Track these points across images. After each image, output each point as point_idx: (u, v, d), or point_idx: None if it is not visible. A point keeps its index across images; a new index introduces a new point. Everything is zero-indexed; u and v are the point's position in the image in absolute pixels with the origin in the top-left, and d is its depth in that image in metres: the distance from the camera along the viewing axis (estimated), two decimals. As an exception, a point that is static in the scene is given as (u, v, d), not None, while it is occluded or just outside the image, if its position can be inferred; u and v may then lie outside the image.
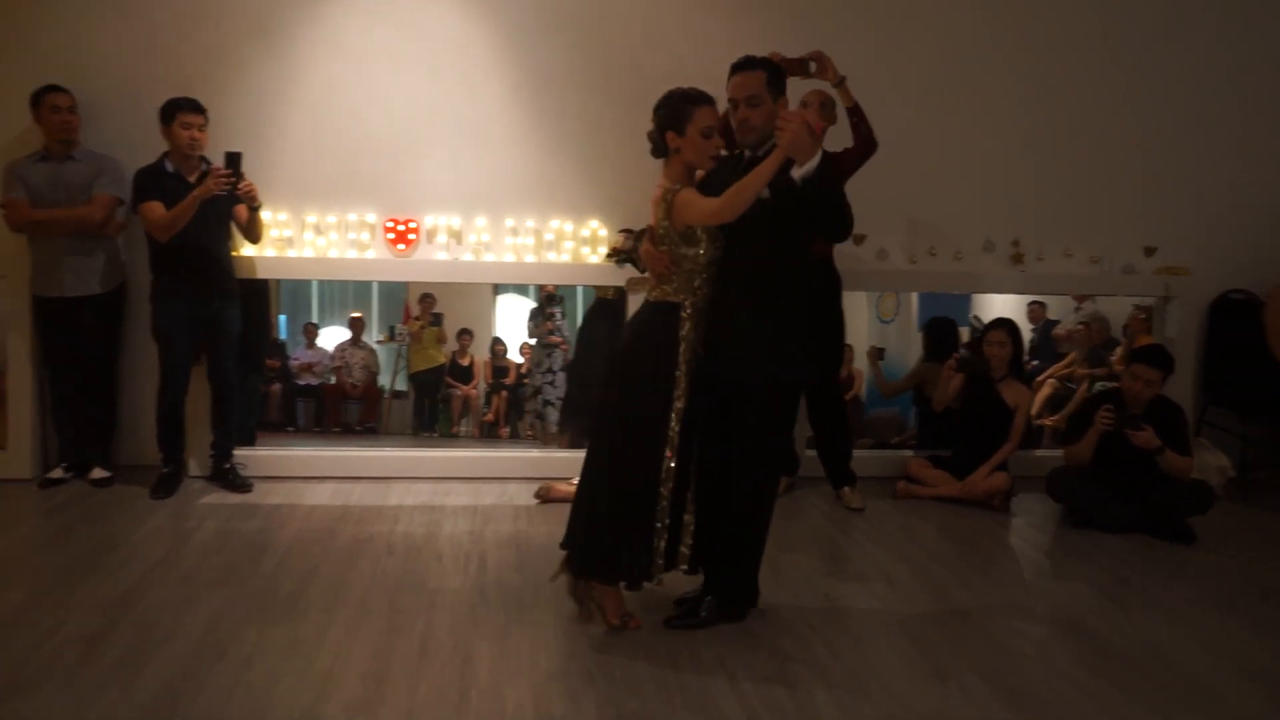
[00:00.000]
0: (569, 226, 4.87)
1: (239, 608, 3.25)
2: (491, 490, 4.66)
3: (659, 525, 3.07)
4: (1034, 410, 5.72)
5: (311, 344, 6.24)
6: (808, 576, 3.71)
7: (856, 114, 4.18)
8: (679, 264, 3.02)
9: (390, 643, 3.03)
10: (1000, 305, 5.92)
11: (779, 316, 3.03)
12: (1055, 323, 6.55)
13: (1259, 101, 5.18)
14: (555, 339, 5.73)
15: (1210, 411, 5.19)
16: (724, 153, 3.12)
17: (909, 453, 5.15)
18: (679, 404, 3.00)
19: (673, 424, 3.00)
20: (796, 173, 2.83)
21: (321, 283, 5.12)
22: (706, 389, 3.07)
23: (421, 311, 5.90)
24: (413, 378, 6.15)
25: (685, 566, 3.21)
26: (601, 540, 3.09)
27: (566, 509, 4.28)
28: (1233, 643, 3.20)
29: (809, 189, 2.84)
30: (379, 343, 6.30)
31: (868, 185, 4.38)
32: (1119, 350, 6.07)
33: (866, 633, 3.23)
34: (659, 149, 3.06)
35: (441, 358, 6.07)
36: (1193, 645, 3.17)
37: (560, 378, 5.65)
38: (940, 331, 5.48)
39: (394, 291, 5.84)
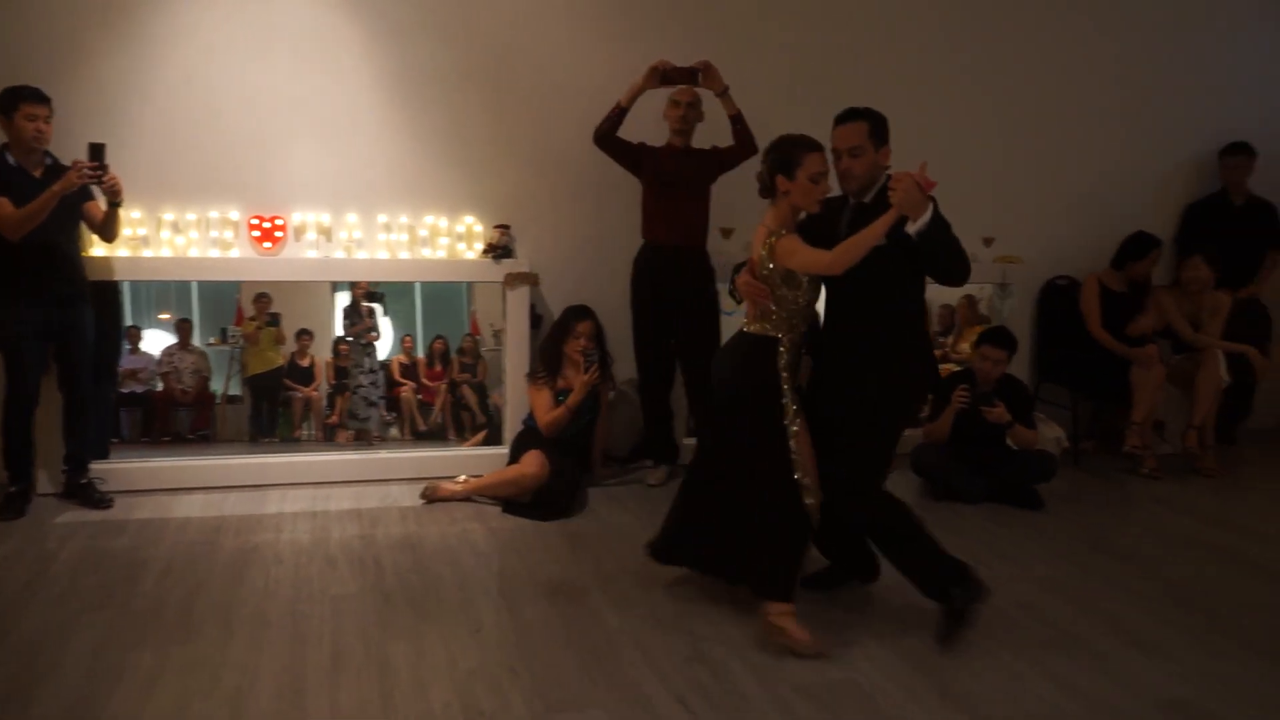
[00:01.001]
0: (444, 222, 4.81)
1: (126, 630, 3.07)
2: (373, 493, 4.56)
3: (801, 547, 3.19)
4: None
5: (135, 349, 5.86)
6: (704, 560, 3.82)
7: (739, 122, 4.43)
8: (780, 304, 3.13)
9: (299, 654, 2.95)
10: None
11: (896, 355, 3.13)
12: None
13: (1083, 104, 5.66)
14: (372, 336, 5.56)
15: (1044, 388, 5.66)
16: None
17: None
18: (793, 428, 3.12)
19: (792, 446, 3.11)
20: (911, 228, 2.92)
21: (135, 284, 4.78)
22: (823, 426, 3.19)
23: (257, 312, 5.57)
24: (249, 381, 5.84)
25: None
26: (777, 559, 3.11)
27: (455, 507, 4.32)
28: (1091, 595, 3.53)
29: (925, 242, 2.93)
30: (210, 345, 5.99)
31: (738, 178, 4.56)
32: (950, 338, 6.49)
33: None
34: (767, 190, 3.17)
35: (280, 359, 5.77)
36: (1057, 600, 3.48)
37: (380, 376, 5.50)
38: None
39: (222, 291, 5.47)
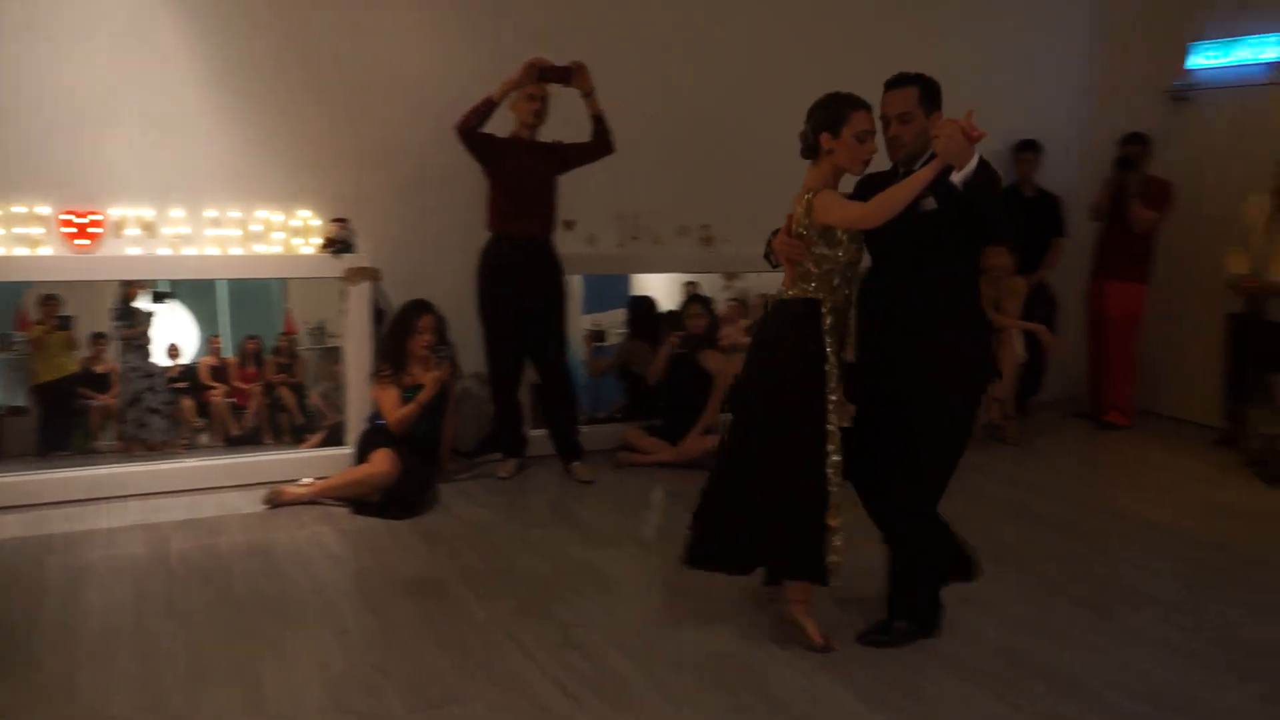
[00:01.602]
0: (277, 217, 4.64)
1: (-43, 665, 2.85)
2: (209, 501, 4.35)
3: (836, 522, 2.96)
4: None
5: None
6: (564, 548, 3.88)
7: (602, 122, 4.50)
8: (818, 264, 2.96)
9: (155, 671, 2.82)
10: (652, 285, 6.24)
11: (952, 321, 2.98)
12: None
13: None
14: (143, 338, 5.25)
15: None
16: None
17: (621, 425, 5.47)
18: (833, 397, 2.94)
19: (830, 418, 2.94)
20: (956, 177, 2.77)
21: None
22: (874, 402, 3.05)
23: (44, 315, 5.14)
24: (36, 390, 5.38)
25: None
26: (800, 540, 2.96)
27: (302, 511, 4.20)
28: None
29: (971, 192, 2.77)
30: (-12, 353, 5.51)
31: (580, 175, 4.65)
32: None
33: (634, 592, 3.48)
34: (810, 149, 3.03)
35: (73, 365, 5.36)
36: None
37: (160, 380, 5.23)
38: (642, 309, 5.87)
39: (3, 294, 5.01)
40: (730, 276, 6.67)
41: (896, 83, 3.01)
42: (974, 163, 2.75)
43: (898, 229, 2.86)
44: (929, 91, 2.99)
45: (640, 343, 5.75)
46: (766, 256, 3.21)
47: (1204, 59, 6.21)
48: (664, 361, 5.09)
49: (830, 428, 2.94)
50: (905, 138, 2.96)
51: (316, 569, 3.61)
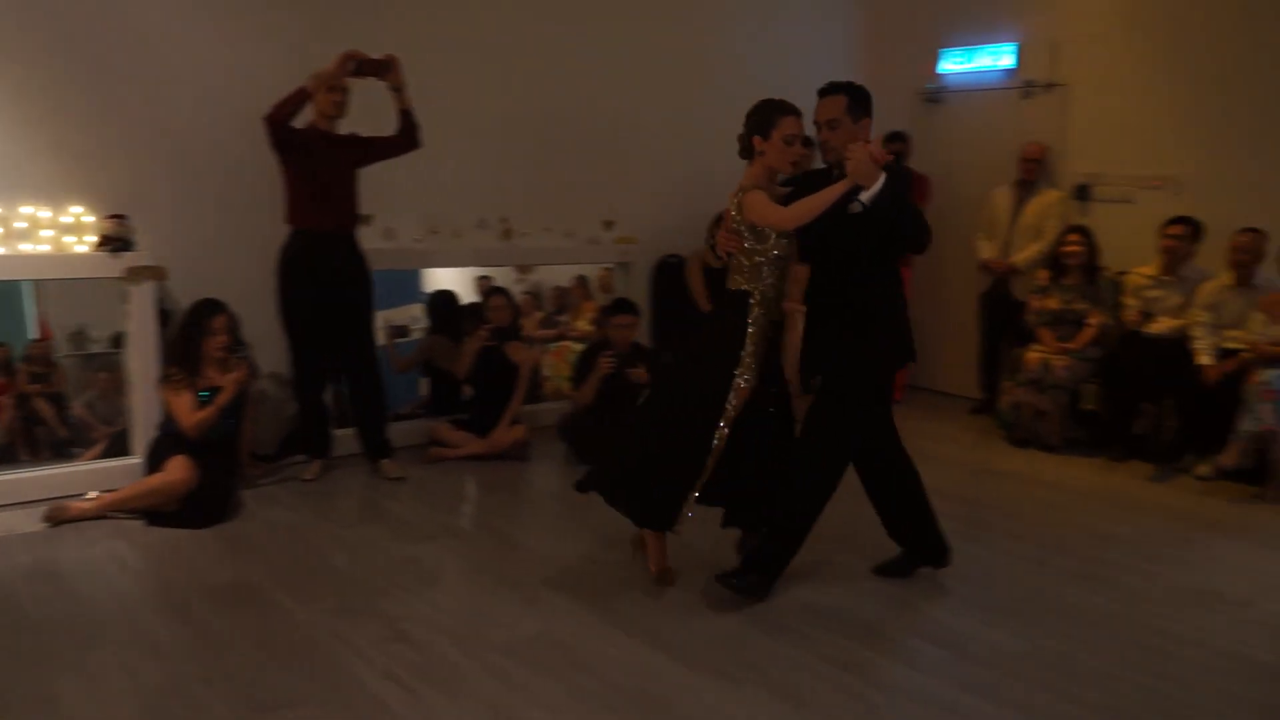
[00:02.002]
0: (46, 213, 4.31)
1: None
2: (-25, 523, 4.01)
3: (692, 484, 3.28)
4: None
5: None
6: (381, 545, 3.86)
7: (410, 117, 4.45)
8: (748, 256, 3.24)
9: (-59, 706, 2.62)
10: (447, 279, 6.19)
11: (870, 315, 3.29)
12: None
13: (681, 99, 6.30)
14: None
15: (663, 354, 6.26)
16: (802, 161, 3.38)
17: (426, 420, 5.45)
18: (741, 382, 3.22)
19: (731, 399, 3.22)
20: (864, 195, 3.03)
21: None
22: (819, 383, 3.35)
23: None
24: None
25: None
26: (647, 490, 3.30)
27: (89, 527, 3.96)
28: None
29: (876, 210, 3.05)
30: None
31: (377, 168, 4.59)
32: (566, 316, 6.93)
33: (456, 582, 3.53)
34: (746, 150, 3.32)
35: None
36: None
37: None
38: (444, 304, 5.85)
39: None
40: (524, 270, 6.76)
41: (826, 91, 3.31)
42: (879, 184, 3.03)
43: (830, 231, 3.17)
44: (856, 100, 3.27)
45: (442, 337, 5.74)
46: (712, 248, 3.48)
47: (951, 64, 6.86)
48: (473, 355, 5.10)
49: (728, 406, 3.25)
50: (833, 142, 3.24)
51: (117, 585, 3.43)
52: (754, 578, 3.36)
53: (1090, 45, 6.17)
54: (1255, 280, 5.08)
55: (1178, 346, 5.20)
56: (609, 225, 6.05)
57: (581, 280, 6.83)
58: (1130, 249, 5.67)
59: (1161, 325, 5.34)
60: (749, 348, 3.28)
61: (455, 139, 5.19)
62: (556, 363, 6.46)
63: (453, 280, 6.27)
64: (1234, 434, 4.72)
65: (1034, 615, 3.33)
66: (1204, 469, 4.95)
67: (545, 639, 3.07)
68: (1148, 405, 5.27)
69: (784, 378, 3.50)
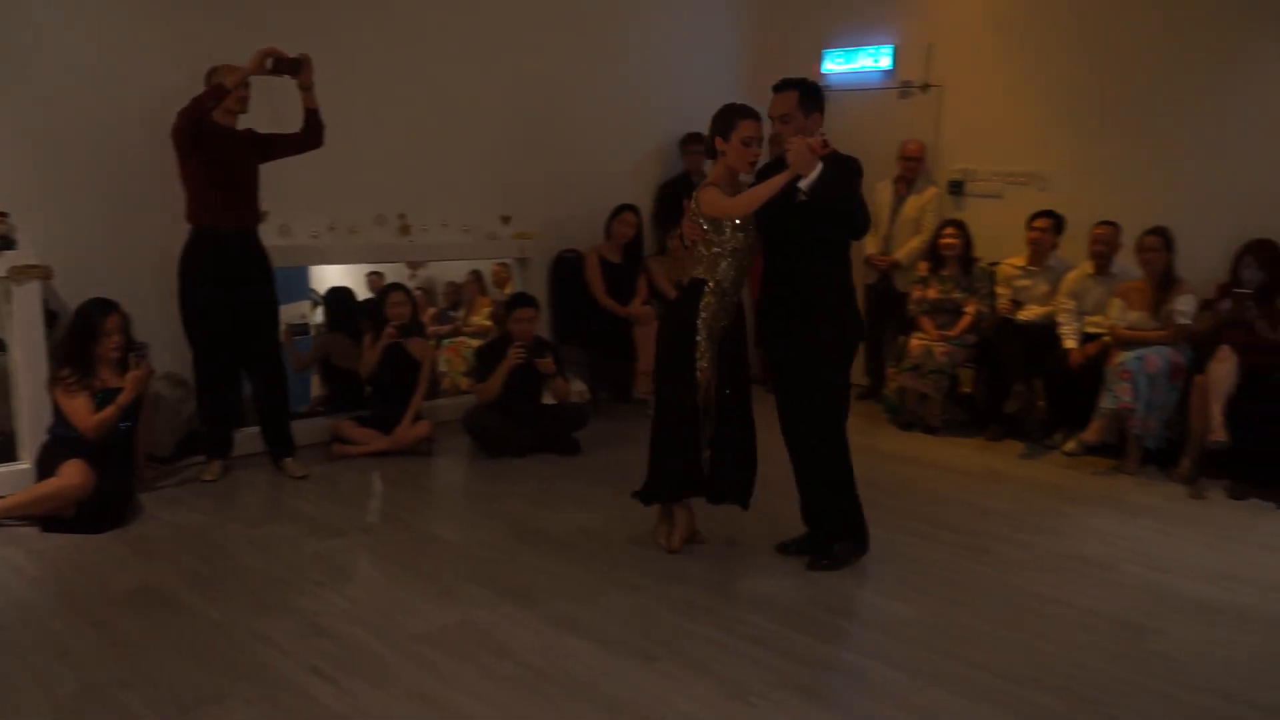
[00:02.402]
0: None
1: None
2: None
3: (693, 457, 3.62)
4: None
5: None
6: (292, 543, 3.86)
7: (317, 116, 4.44)
8: (708, 247, 3.51)
9: None
10: (336, 275, 6.22)
11: (821, 299, 3.51)
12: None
13: (578, 97, 6.39)
14: None
15: (562, 348, 6.36)
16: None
17: (325, 419, 5.41)
18: (702, 365, 3.53)
19: (698, 376, 3.54)
20: (803, 183, 3.26)
21: None
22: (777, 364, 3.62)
23: None
24: None
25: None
26: (656, 470, 3.70)
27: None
28: (641, 515, 4.20)
29: (814, 195, 3.27)
30: None
31: (272, 164, 4.55)
32: (461, 312, 6.94)
33: (372, 577, 3.58)
34: (709, 151, 3.61)
35: None
36: (613, 523, 4.10)
37: None
38: (340, 301, 5.81)
39: None
40: (415, 265, 6.72)
41: (779, 87, 3.53)
42: (816, 172, 3.26)
43: (781, 218, 3.39)
44: (807, 95, 3.49)
45: (340, 335, 5.71)
46: (680, 237, 3.70)
47: (834, 64, 7.15)
48: (379, 352, 5.09)
49: (697, 384, 3.56)
50: (785, 135, 3.43)
51: (15, 593, 3.35)
52: (841, 546, 3.68)
53: (961, 49, 6.52)
54: (1113, 269, 5.50)
55: (1045, 332, 5.58)
56: (506, 220, 6.11)
57: (476, 275, 6.86)
58: (1000, 241, 6.04)
59: (1030, 313, 5.72)
60: (702, 333, 3.55)
61: (353, 134, 5.16)
62: (452, 358, 6.49)
63: (343, 277, 6.23)
64: (1096, 412, 5.10)
65: (925, 584, 3.58)
66: (1070, 445, 5.34)
67: (464, 627, 3.15)
68: (1019, 387, 5.64)
69: (745, 362, 3.73)
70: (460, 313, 6.93)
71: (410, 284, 6.53)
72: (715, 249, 3.54)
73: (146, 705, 2.65)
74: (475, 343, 6.60)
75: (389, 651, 2.97)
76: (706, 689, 2.79)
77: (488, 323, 6.67)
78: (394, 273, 6.58)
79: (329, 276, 6.20)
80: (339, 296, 5.88)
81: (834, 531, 3.70)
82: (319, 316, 6.31)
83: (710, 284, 3.56)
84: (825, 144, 3.31)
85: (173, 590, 3.39)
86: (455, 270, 6.90)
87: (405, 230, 5.69)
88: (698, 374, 3.58)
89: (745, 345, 3.75)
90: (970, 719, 2.67)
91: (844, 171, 3.38)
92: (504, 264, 6.82)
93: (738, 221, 3.50)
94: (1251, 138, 5.38)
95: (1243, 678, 2.95)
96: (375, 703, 2.68)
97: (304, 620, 3.17)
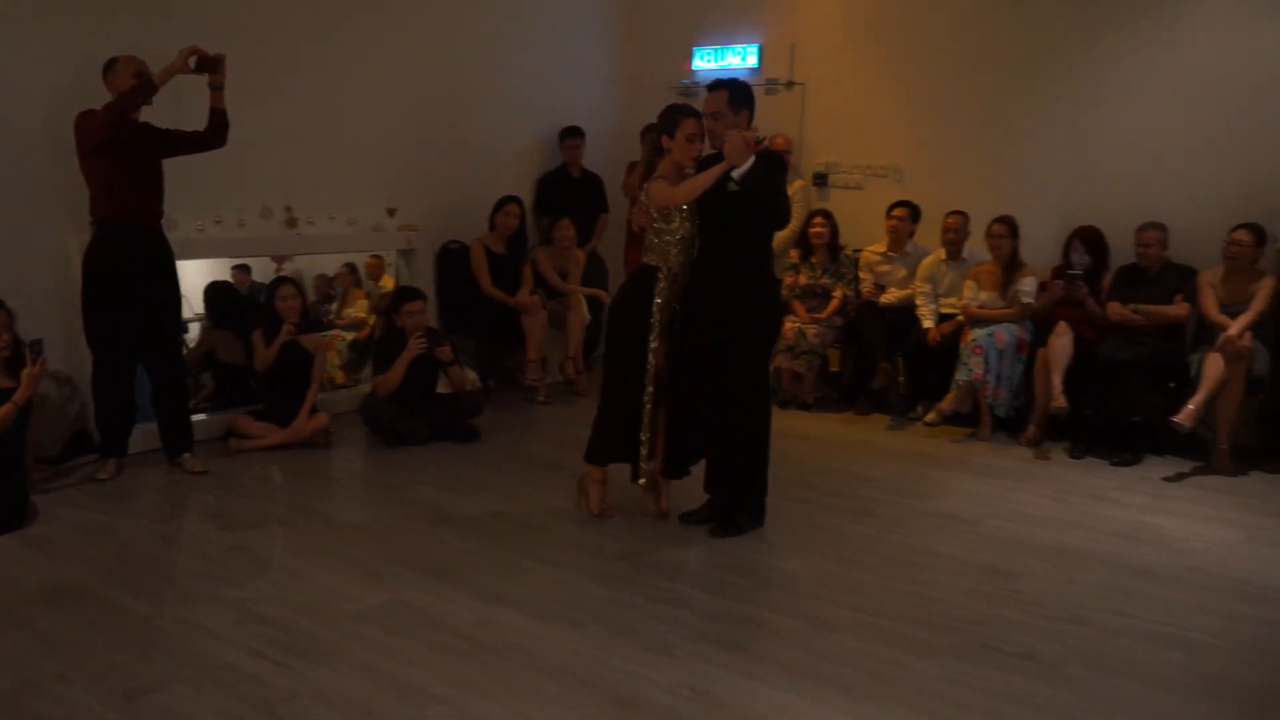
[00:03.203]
0: None
1: None
2: None
3: (646, 436, 3.94)
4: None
5: None
6: (205, 536, 3.91)
7: (223, 116, 4.45)
8: (658, 235, 3.85)
9: None
10: (201, 270, 6.00)
11: (746, 285, 3.82)
12: (262, 284, 6.50)
13: (457, 91, 6.49)
14: None
15: (452, 338, 6.46)
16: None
17: (210, 415, 5.38)
18: (654, 344, 3.85)
19: (650, 358, 3.85)
20: (736, 173, 3.59)
21: None
22: (700, 344, 3.84)
23: None
24: None
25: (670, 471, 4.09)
26: (601, 435, 4.03)
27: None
28: (548, 495, 4.41)
29: (744, 185, 3.60)
30: None
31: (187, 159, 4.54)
32: (334, 305, 6.92)
33: (296, 565, 3.64)
34: (656, 149, 3.89)
35: None
36: (521, 503, 4.30)
37: None
38: (222, 296, 5.76)
39: None
40: (280, 259, 6.61)
41: (711, 87, 3.80)
42: (749, 164, 3.60)
43: (716, 209, 3.69)
44: (736, 94, 3.80)
45: (224, 331, 5.67)
46: (630, 223, 3.81)
47: (703, 61, 7.48)
48: (278, 348, 5.09)
49: (649, 365, 3.88)
50: (718, 131, 3.75)
51: (-79, 600, 3.29)
52: (743, 515, 4.00)
53: (822, 50, 6.96)
54: (964, 255, 6.03)
55: (905, 313, 6.08)
56: (392, 213, 6.17)
57: (350, 268, 6.83)
58: (862, 229, 6.52)
59: (892, 296, 6.20)
60: (656, 315, 3.87)
61: (239, 126, 5.12)
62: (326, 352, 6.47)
63: (209, 272, 6.10)
64: (952, 385, 5.61)
65: (814, 545, 3.93)
66: (930, 416, 5.83)
67: (396, 606, 3.29)
68: (883, 365, 6.10)
69: (698, 338, 3.92)
70: (333, 306, 6.90)
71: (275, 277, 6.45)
72: (666, 236, 3.87)
73: (92, 696, 2.70)
74: (350, 335, 6.62)
75: (328, 631, 3.10)
76: (633, 647, 3.04)
77: (362, 315, 6.68)
78: (259, 267, 6.49)
79: (187, 271, 6.03)
80: (220, 291, 5.82)
81: (745, 501, 4.01)
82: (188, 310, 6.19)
83: (663, 270, 3.89)
84: (758, 140, 3.66)
85: (91, 587, 3.39)
86: (325, 263, 6.82)
87: (292, 223, 5.69)
88: (650, 355, 3.87)
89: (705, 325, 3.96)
90: (866, 656, 3.02)
91: (772, 166, 3.72)
92: (378, 257, 6.85)
93: (685, 210, 3.82)
94: (1078, 136, 5.99)
95: (1086, 605, 3.42)
96: (323, 679, 2.81)
97: (236, 608, 3.24)
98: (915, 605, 3.39)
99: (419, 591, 3.41)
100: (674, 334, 3.95)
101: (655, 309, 3.88)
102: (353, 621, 3.17)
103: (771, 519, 4.12)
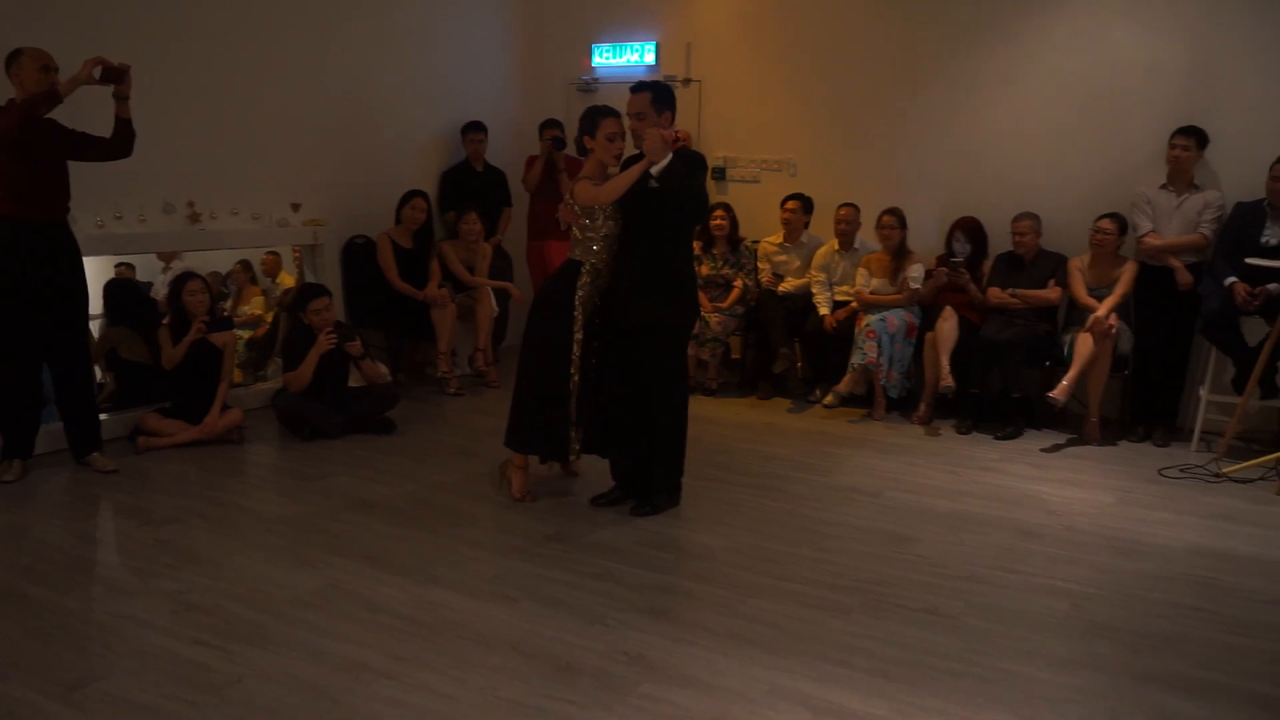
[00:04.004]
0: None
1: None
2: None
3: (570, 421, 4.08)
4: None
5: None
6: (126, 533, 3.89)
7: (129, 126, 4.43)
8: (583, 232, 4.02)
9: None
10: (103, 267, 5.98)
11: (667, 277, 4.00)
12: (149, 284, 6.36)
13: (365, 86, 6.49)
14: None
15: (360, 332, 6.47)
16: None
17: (113, 413, 5.28)
18: (578, 335, 4.01)
19: (574, 350, 4.01)
20: (654, 169, 3.77)
21: None
22: (621, 331, 4.03)
23: None
24: None
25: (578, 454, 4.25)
26: (524, 424, 4.13)
27: None
28: (467, 483, 4.51)
29: (665, 181, 3.79)
30: None
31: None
32: (229, 302, 6.81)
33: (224, 557, 3.65)
34: (581, 148, 4.08)
35: None
36: (443, 491, 4.39)
37: None
38: (123, 293, 5.64)
39: None
40: (167, 257, 6.47)
41: (634, 89, 3.93)
42: (666, 160, 3.79)
43: (638, 205, 3.84)
44: (659, 96, 3.97)
45: (124, 328, 5.56)
46: (558, 220, 4.11)
47: (602, 58, 7.64)
48: (186, 346, 5.03)
49: (573, 356, 4.03)
50: (640, 131, 3.90)
51: None
52: (662, 496, 4.20)
53: (716, 48, 7.21)
54: (856, 245, 6.35)
55: (802, 301, 6.38)
56: (297, 208, 6.14)
57: (245, 265, 6.73)
58: (759, 221, 6.79)
59: (789, 284, 6.49)
60: (579, 308, 4.00)
61: (139, 120, 5.06)
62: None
63: (106, 269, 5.96)
64: (848, 368, 5.93)
65: (729, 519, 4.15)
66: (828, 399, 6.15)
67: (332, 591, 3.37)
68: (783, 350, 6.37)
69: (619, 327, 4.10)
70: (226, 304, 6.79)
71: (163, 276, 6.27)
72: (590, 234, 4.02)
73: (32, 689, 2.70)
74: (245, 334, 6.54)
75: (267, 618, 3.15)
76: (567, 619, 3.19)
77: (259, 312, 6.61)
78: (143, 265, 6.31)
79: (94, 268, 5.89)
80: (120, 289, 5.69)
81: (663, 483, 4.20)
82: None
83: (586, 266, 4.04)
84: (678, 138, 3.84)
85: (12, 586, 3.35)
86: (218, 260, 6.68)
87: (195, 218, 5.62)
88: (575, 346, 4.02)
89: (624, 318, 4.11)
90: (786, 617, 3.24)
91: (690, 163, 3.90)
92: (274, 253, 6.79)
93: (608, 209, 3.96)
94: (957, 133, 6.39)
95: (979, 564, 3.74)
96: (268, 662, 2.88)
97: (169, 599, 3.26)
98: (825, 570, 3.64)
99: (352, 576, 3.49)
100: (593, 328, 4.10)
101: (578, 302, 4.03)
102: (289, 607, 3.23)
103: (687, 497, 4.32)
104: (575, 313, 4.04)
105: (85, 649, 2.94)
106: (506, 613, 3.24)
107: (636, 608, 3.29)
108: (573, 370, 4.06)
